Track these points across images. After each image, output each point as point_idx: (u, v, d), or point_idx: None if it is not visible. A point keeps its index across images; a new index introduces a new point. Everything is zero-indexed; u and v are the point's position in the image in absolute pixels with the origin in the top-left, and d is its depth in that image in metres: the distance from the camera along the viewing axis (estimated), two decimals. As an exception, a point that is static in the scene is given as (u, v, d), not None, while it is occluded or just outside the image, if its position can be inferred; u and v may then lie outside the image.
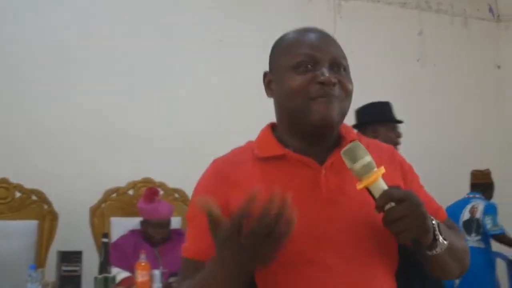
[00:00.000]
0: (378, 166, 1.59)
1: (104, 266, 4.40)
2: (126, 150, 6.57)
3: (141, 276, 4.28)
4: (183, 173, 6.54)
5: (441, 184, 7.74)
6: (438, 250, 1.58)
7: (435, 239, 1.57)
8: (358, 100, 7.91)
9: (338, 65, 1.75)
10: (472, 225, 6.91)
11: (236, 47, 7.48)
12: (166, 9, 7.13)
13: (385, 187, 1.55)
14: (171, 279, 4.80)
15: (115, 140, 6.53)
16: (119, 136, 6.55)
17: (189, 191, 6.19)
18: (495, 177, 7.46)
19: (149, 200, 5.20)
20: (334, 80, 1.68)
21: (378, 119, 5.46)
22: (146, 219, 5.20)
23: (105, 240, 4.55)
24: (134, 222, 5.40)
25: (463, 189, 7.44)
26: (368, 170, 1.56)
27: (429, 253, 1.59)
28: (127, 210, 5.76)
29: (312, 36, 1.80)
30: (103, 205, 5.83)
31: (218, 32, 7.38)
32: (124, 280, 4.76)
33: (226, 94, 7.33)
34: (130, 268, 4.64)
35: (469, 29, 9.06)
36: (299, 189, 1.63)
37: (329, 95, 1.67)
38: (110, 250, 4.59)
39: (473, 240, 6.81)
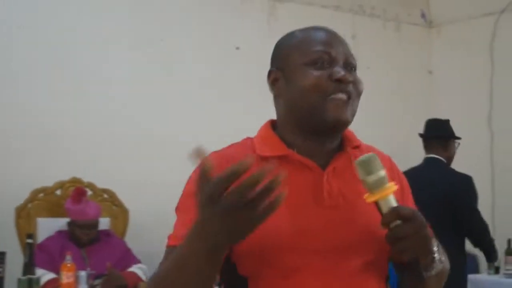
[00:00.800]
0: None
1: (28, 268, 4.31)
2: (54, 149, 6.45)
3: (66, 278, 4.25)
4: (112, 174, 6.53)
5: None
6: (433, 272, 1.59)
7: (432, 261, 1.58)
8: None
9: (350, 64, 1.72)
10: None
11: (172, 46, 7.46)
12: (99, 4, 7.09)
13: (394, 203, 1.53)
14: (96, 282, 4.79)
15: (43, 138, 6.38)
16: (47, 135, 6.41)
17: (119, 191, 6.19)
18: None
19: (76, 200, 5.15)
20: (350, 78, 1.67)
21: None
22: (73, 220, 5.15)
23: (29, 241, 4.46)
24: (61, 223, 5.34)
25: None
26: (380, 184, 1.54)
27: (424, 273, 1.60)
28: (54, 211, 5.68)
29: (325, 34, 1.76)
30: (29, 205, 5.72)
31: (154, 30, 7.33)
32: (49, 282, 4.72)
33: (159, 94, 7.29)
34: (57, 270, 4.61)
35: (401, 34, 9.20)
36: (301, 192, 1.62)
37: (346, 92, 1.66)
38: (36, 251, 4.53)
39: None
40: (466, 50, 9.09)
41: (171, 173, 7.10)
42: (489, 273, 6.52)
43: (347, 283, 1.61)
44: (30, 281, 4.25)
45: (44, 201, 5.81)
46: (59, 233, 5.23)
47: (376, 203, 1.55)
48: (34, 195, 5.78)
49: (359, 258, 1.64)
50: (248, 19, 7.98)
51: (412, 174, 5.21)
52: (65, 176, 5.95)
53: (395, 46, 9.16)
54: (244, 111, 7.74)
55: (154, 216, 6.81)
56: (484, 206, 6.44)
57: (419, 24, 9.44)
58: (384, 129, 8.80)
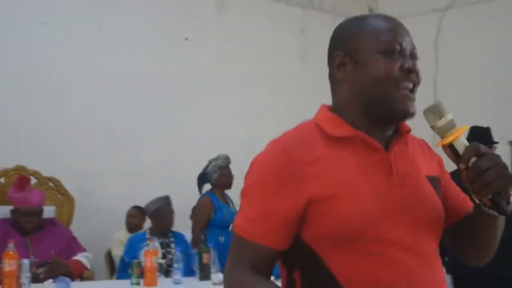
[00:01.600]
0: (425, 156, 1.73)
1: (-32, 257, 4.27)
2: (-1, 137, 6.43)
3: (8, 266, 4.19)
4: (58, 162, 6.47)
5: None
6: (508, 210, 1.55)
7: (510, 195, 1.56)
8: (241, 91, 8.07)
9: (414, 56, 1.73)
10: None
11: (116, 35, 7.43)
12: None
13: (467, 142, 1.55)
14: (40, 270, 4.75)
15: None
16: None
17: (64, 180, 6.16)
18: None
19: (19, 188, 5.10)
20: (417, 68, 1.69)
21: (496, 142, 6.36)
22: (17, 208, 5.09)
23: (-30, 229, 4.43)
24: (4, 211, 5.27)
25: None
26: (452, 126, 1.57)
27: (507, 210, 1.56)
28: (-2, 199, 5.62)
29: (397, 25, 1.74)
30: (-28, 193, 5.64)
31: (98, 19, 7.29)
32: (-10, 270, 4.68)
33: (105, 84, 7.25)
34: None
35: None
36: (374, 172, 1.65)
37: (411, 81, 1.68)
38: (-22, 240, 4.49)
39: None
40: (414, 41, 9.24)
41: (116, 162, 7.13)
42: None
43: (424, 259, 1.64)
44: (-29, 269, 4.21)
45: (-13, 189, 5.73)
46: (3, 221, 5.16)
47: (451, 145, 1.57)
48: (-22, 183, 5.71)
49: (429, 235, 1.68)
50: (197, 10, 7.98)
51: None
52: (10, 164, 5.90)
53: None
54: (189, 100, 7.78)
55: (99, 205, 6.80)
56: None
57: (367, 19, 9.54)
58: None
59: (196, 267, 4.94)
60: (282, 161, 1.61)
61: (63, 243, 5.19)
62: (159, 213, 5.25)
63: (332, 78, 1.80)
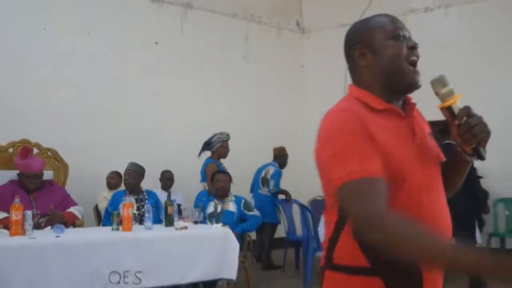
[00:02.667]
0: (422, 118, 1.79)
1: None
2: (7, 115, 6.36)
3: (15, 216, 4.14)
4: (55, 136, 6.44)
5: (254, 153, 8.06)
6: (484, 156, 1.68)
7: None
8: (198, 83, 8.09)
9: (411, 37, 1.75)
10: (265, 182, 7.40)
11: (101, 39, 7.37)
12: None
13: (461, 106, 1.64)
14: (41, 220, 4.74)
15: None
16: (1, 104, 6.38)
17: (60, 150, 6.12)
18: (290, 152, 7.90)
19: (24, 156, 5.03)
20: (417, 44, 1.71)
21: None
22: (22, 172, 5.03)
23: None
24: (13, 174, 5.20)
25: (269, 157, 7.78)
26: (452, 93, 1.66)
27: (484, 156, 1.68)
28: (8, 165, 5.53)
29: (395, 18, 1.77)
30: (-13, 161, 5.56)
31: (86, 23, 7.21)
32: (2, 220, 4.65)
33: (90, 76, 7.21)
34: (9, 211, 4.50)
35: (282, 37, 9.37)
36: (406, 135, 1.67)
37: (416, 56, 1.70)
38: (-8, 196, 4.46)
39: (265, 191, 7.33)
40: (327, 50, 9.28)
41: (99, 136, 7.10)
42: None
43: (441, 194, 1.70)
44: (-14, 218, 4.18)
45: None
46: (11, 182, 5.10)
47: (449, 107, 1.66)
48: (-9, 153, 5.64)
49: (439, 178, 1.74)
50: (164, 20, 7.92)
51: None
52: (16, 138, 5.80)
53: (277, 46, 9.29)
54: (158, 89, 7.76)
55: (88, 170, 6.78)
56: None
57: (295, 30, 9.62)
58: (268, 111, 8.98)
59: (162, 216, 4.95)
60: (361, 122, 1.57)
61: (59, 199, 5.15)
62: (124, 174, 5.28)
63: (353, 67, 1.79)
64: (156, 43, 7.84)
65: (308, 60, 9.63)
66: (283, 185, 7.52)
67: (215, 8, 8.46)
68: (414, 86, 1.69)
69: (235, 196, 5.74)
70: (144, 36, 7.73)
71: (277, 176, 7.51)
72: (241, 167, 7.56)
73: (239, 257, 5.04)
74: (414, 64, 1.68)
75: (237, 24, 8.76)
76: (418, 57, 1.70)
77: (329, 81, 9.24)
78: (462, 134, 1.64)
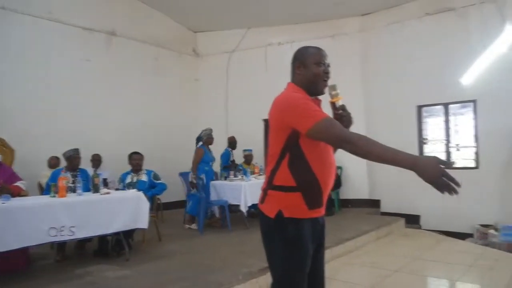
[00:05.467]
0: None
1: None
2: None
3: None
4: (3, 126, 5.86)
5: (163, 142, 7.86)
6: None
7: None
8: (117, 96, 7.74)
9: (328, 65, 2.00)
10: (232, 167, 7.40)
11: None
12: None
13: (341, 103, 1.99)
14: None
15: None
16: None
17: (8, 138, 5.59)
18: (185, 141, 7.77)
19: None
20: (329, 70, 1.99)
21: None
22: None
23: None
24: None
25: (177, 146, 7.56)
26: (337, 95, 1.98)
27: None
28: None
29: (321, 50, 2.00)
30: None
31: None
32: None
33: (40, 77, 6.59)
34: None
35: (182, 60, 9.19)
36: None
37: (327, 76, 1.97)
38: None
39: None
40: (215, 69, 9.33)
41: (42, 126, 6.57)
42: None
43: (331, 149, 1.96)
44: None
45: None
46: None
47: (334, 103, 1.98)
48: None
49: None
50: (92, 46, 7.46)
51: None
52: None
53: (179, 66, 9.10)
54: (91, 92, 7.31)
55: (32, 153, 6.25)
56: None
57: (192, 55, 9.46)
58: (171, 111, 8.81)
59: (91, 186, 4.67)
60: (307, 97, 1.89)
61: (7, 176, 4.68)
62: (70, 158, 4.90)
63: (293, 73, 2.01)
64: (88, 60, 7.36)
65: (201, 76, 9.51)
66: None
67: (133, 36, 8.10)
68: (321, 92, 1.97)
69: (147, 170, 5.56)
70: (76, 53, 7.23)
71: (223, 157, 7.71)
72: (156, 148, 7.45)
73: (151, 214, 4.90)
74: (325, 80, 1.96)
75: (149, 50, 8.44)
76: (328, 76, 1.97)
77: (215, 91, 9.28)
78: (339, 119, 1.95)
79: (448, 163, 1.48)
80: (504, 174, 6.54)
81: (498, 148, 6.57)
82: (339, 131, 1.69)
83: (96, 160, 6.70)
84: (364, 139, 1.65)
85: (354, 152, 1.66)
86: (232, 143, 7.84)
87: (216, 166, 7.47)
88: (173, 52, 8.98)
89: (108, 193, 4.47)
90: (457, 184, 1.46)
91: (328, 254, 4.72)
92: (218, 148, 7.10)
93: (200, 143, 6.47)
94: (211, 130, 6.54)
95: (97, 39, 7.53)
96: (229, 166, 7.52)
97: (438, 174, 1.46)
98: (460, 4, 6.95)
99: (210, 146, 6.53)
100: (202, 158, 6.28)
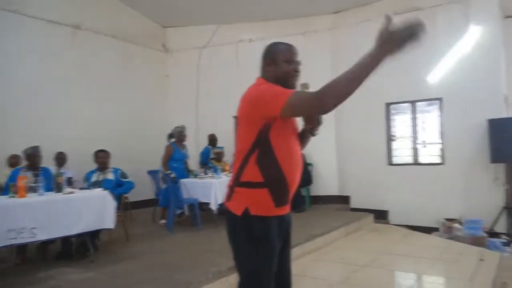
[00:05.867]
0: None
1: None
2: None
3: None
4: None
5: (132, 136, 7.70)
6: (316, 134, 2.09)
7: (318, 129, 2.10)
8: (83, 91, 7.52)
9: (299, 62, 1.98)
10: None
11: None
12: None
13: None
14: None
15: None
16: None
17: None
18: (156, 135, 7.60)
19: None
20: (299, 68, 1.97)
21: None
22: None
23: None
24: None
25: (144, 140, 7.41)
26: (309, 86, 1.94)
27: (311, 135, 2.08)
28: None
29: (292, 47, 1.99)
30: None
31: None
32: None
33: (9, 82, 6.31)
34: None
35: (152, 55, 9.01)
36: None
37: (297, 72, 1.96)
38: None
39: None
40: (184, 65, 9.20)
41: (3, 121, 6.31)
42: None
43: (297, 142, 1.98)
44: None
45: None
46: None
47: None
48: None
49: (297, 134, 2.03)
50: (55, 39, 7.20)
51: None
52: None
53: (149, 61, 8.90)
54: (57, 89, 7.06)
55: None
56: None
57: (161, 50, 9.29)
58: (140, 107, 8.63)
59: (54, 185, 4.50)
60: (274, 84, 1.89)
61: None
62: (30, 156, 4.70)
63: (263, 69, 2.00)
64: (52, 55, 7.11)
65: (172, 72, 9.34)
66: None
67: (100, 30, 7.87)
68: (292, 88, 1.92)
69: (114, 168, 5.41)
70: (42, 49, 6.96)
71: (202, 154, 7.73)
72: (124, 146, 7.38)
73: (118, 213, 4.77)
74: (295, 78, 1.95)
75: (118, 43, 8.21)
76: (298, 73, 1.97)
77: (186, 87, 9.16)
78: (307, 119, 2.04)
79: (388, 18, 1.50)
80: (467, 169, 6.74)
81: (462, 144, 6.77)
82: (309, 95, 1.69)
83: (60, 159, 6.47)
84: (330, 84, 1.60)
85: (336, 101, 1.61)
86: (212, 140, 7.78)
87: (196, 164, 7.43)
88: (142, 47, 8.78)
89: (72, 192, 4.32)
90: (420, 23, 1.48)
91: (298, 250, 4.75)
92: (190, 145, 7.00)
93: (172, 140, 6.37)
94: (183, 127, 6.45)
95: (62, 33, 7.27)
96: (206, 164, 7.46)
97: (400, 36, 1.48)
98: (427, 4, 7.09)
99: (187, 144, 6.47)
100: (171, 156, 6.19)
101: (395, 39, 1.48)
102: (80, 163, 6.43)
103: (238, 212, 1.84)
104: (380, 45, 1.50)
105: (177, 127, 6.44)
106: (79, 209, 4.16)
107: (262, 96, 1.77)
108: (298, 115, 1.81)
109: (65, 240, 4.51)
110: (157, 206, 6.68)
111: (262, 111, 1.76)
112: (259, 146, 1.82)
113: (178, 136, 6.37)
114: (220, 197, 5.64)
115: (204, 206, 6.11)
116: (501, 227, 6.32)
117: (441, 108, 7.06)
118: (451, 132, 6.92)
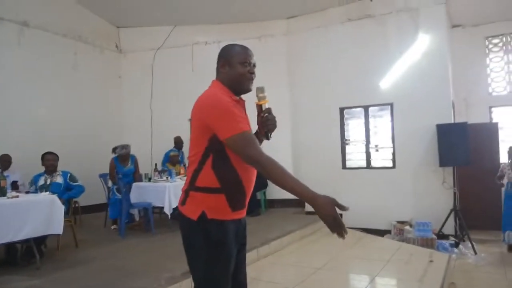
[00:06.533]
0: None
1: None
2: None
3: None
4: None
5: (85, 138, 7.46)
6: (270, 138, 2.03)
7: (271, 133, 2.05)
8: (34, 93, 7.21)
9: (254, 65, 1.99)
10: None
11: None
12: None
13: (267, 106, 2.02)
14: None
15: None
16: None
17: None
18: (108, 137, 7.39)
19: None
20: (254, 70, 1.98)
21: None
22: None
23: None
24: None
25: (96, 143, 7.16)
26: (264, 97, 2.00)
27: (266, 138, 2.03)
28: None
29: (247, 49, 1.98)
30: None
31: None
32: None
33: None
34: None
35: (104, 55, 8.77)
36: (245, 117, 1.90)
37: (252, 75, 1.95)
38: None
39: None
40: (138, 66, 9.03)
41: None
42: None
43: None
44: None
45: None
46: None
47: (261, 105, 2.00)
48: None
49: None
50: (2, 35, 6.87)
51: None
52: None
53: (101, 62, 8.65)
54: (9, 90, 6.74)
55: None
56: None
57: (115, 50, 9.08)
58: (92, 108, 8.37)
59: (-4, 190, 4.29)
60: (230, 99, 1.85)
61: None
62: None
63: (218, 71, 1.98)
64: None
65: (125, 73, 9.15)
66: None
67: (49, 28, 7.58)
68: (247, 91, 1.97)
69: (63, 171, 5.23)
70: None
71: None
72: (76, 148, 7.16)
73: (67, 218, 4.61)
74: (250, 79, 1.95)
75: (68, 42, 7.93)
76: (253, 77, 1.97)
77: (140, 89, 9.00)
78: (262, 123, 2.00)
79: (343, 207, 1.62)
80: (417, 173, 7.03)
81: (412, 149, 7.06)
82: (253, 151, 1.71)
83: (5, 161, 6.15)
84: (273, 165, 1.69)
85: (261, 172, 1.71)
86: (177, 143, 7.70)
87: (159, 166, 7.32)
88: (94, 47, 8.54)
89: (16, 196, 4.13)
90: (345, 231, 1.62)
91: (254, 254, 4.77)
92: (140, 153, 6.89)
93: (114, 155, 6.34)
94: (125, 148, 6.36)
95: (8, 30, 6.94)
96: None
97: (333, 215, 1.60)
98: (379, 11, 7.38)
99: (137, 155, 6.42)
100: (114, 169, 6.19)
101: (326, 219, 1.62)
102: (28, 167, 6.15)
103: (194, 216, 1.82)
104: (318, 209, 1.63)
105: (123, 146, 6.36)
106: (24, 214, 3.98)
107: (216, 112, 1.76)
108: (235, 153, 1.80)
109: (10, 246, 4.30)
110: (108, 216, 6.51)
111: (211, 125, 1.76)
112: (213, 151, 1.81)
113: (118, 156, 6.33)
114: (174, 201, 5.57)
115: (157, 210, 6.01)
116: (449, 229, 6.59)
117: (392, 113, 7.34)
118: (402, 137, 7.21)
